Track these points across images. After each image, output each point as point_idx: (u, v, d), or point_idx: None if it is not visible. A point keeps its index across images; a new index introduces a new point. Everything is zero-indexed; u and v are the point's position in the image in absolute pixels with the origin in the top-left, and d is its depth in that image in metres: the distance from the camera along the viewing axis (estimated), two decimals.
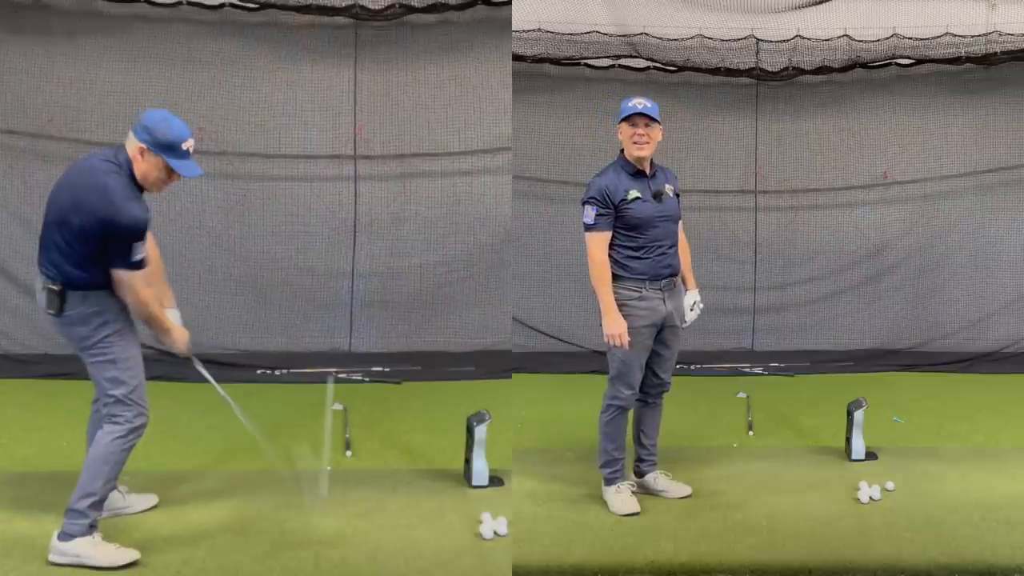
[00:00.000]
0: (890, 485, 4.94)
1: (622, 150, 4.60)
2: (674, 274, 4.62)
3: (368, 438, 5.79)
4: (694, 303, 4.79)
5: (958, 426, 6.35)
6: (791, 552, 4.15)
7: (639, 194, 4.50)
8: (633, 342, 4.53)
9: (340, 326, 8.15)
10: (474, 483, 4.88)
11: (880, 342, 8.73)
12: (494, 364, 7.56)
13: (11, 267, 7.57)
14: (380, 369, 7.49)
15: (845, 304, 8.84)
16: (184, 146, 3.87)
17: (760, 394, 6.67)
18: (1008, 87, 8.56)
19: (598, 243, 4.50)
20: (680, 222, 4.73)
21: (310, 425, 5.81)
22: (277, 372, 7.36)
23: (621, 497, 4.63)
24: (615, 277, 4.56)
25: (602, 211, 4.47)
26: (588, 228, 4.52)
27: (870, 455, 5.46)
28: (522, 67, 8.06)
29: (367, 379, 7.25)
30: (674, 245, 4.61)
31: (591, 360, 8.24)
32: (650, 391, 4.80)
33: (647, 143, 4.48)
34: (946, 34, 8.08)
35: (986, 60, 8.19)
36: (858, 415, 5.48)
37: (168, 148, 3.83)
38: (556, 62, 8.36)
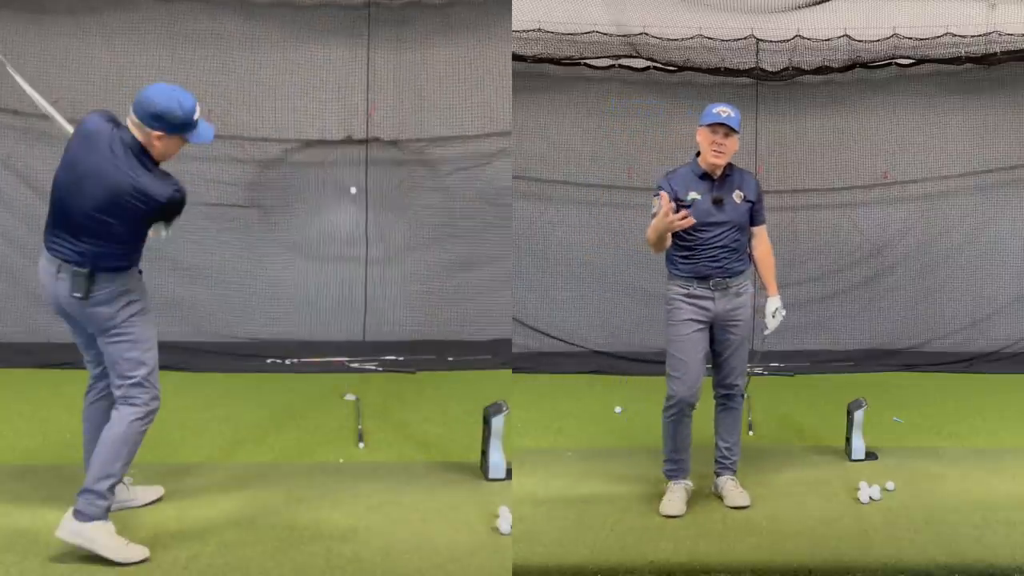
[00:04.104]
0: (890, 485, 4.94)
1: (698, 153, 4.72)
2: (727, 275, 4.62)
3: (381, 429, 5.73)
4: (775, 309, 4.81)
5: (958, 426, 6.35)
6: (791, 552, 4.15)
7: (698, 196, 4.61)
8: (679, 338, 4.60)
9: (354, 314, 8.10)
10: (491, 476, 4.84)
11: (880, 342, 8.72)
12: (511, 352, 7.45)
13: (11, 250, 7.55)
14: (394, 358, 7.40)
15: (845, 304, 8.83)
16: (196, 117, 3.87)
17: (760, 394, 6.67)
18: (1008, 87, 8.55)
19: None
20: (763, 228, 4.79)
21: (321, 415, 5.81)
22: (287, 362, 7.29)
23: (668, 496, 4.67)
24: (668, 274, 4.69)
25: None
26: (654, 217, 4.55)
27: (870, 455, 5.46)
28: (522, 67, 8.06)
29: (381, 368, 7.14)
30: (731, 250, 4.63)
31: (591, 360, 8.26)
32: (717, 393, 4.86)
33: (723, 153, 4.62)
34: (946, 34, 8.07)
35: (986, 60, 8.17)
36: (858, 415, 5.48)
37: (183, 127, 3.84)
38: (556, 62, 8.34)
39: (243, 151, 7.89)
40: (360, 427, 5.57)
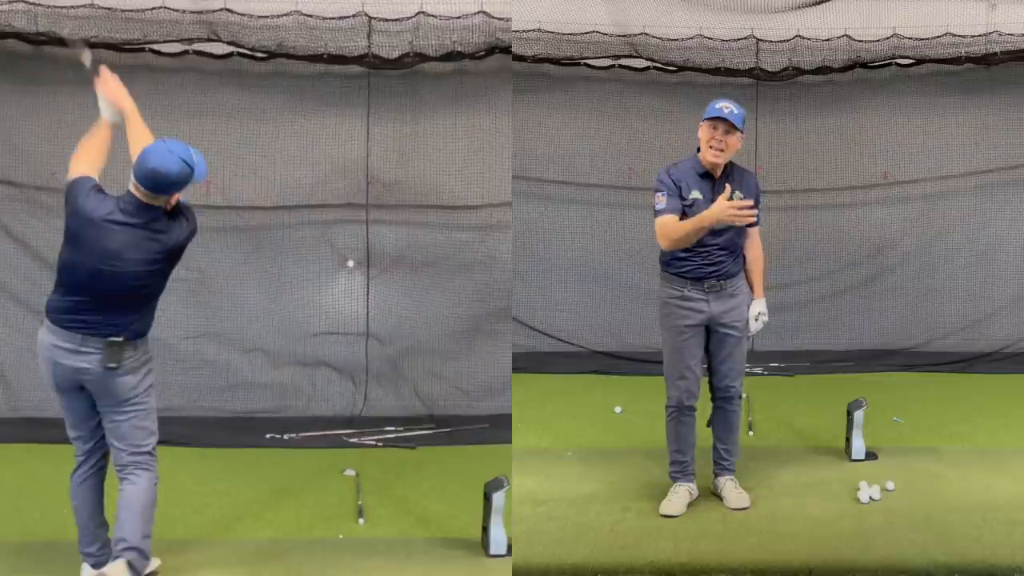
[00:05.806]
0: (890, 485, 4.95)
1: (699, 148, 4.64)
2: (722, 277, 4.59)
3: (382, 505, 5.51)
4: (759, 313, 4.74)
5: (958, 426, 6.35)
6: (791, 552, 4.16)
7: (700, 196, 4.53)
8: (674, 341, 4.60)
9: (353, 388, 7.72)
10: (492, 552, 4.65)
11: (880, 342, 8.71)
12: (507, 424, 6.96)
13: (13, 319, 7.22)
14: (393, 430, 7.21)
15: (845, 304, 8.83)
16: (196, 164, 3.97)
17: (760, 394, 6.67)
18: (1008, 87, 8.55)
19: (667, 223, 4.49)
20: (757, 230, 4.73)
21: (321, 490, 5.70)
22: (286, 436, 7.12)
23: (669, 496, 4.67)
24: (661, 276, 4.66)
25: (672, 195, 4.50)
26: (658, 213, 4.53)
27: (870, 455, 5.47)
28: (522, 67, 8.05)
29: (380, 443, 6.98)
30: (729, 250, 4.60)
31: (591, 360, 8.26)
32: (714, 395, 4.84)
33: (722, 151, 4.51)
34: (946, 34, 8.07)
35: (986, 60, 8.17)
36: (858, 415, 5.48)
37: (192, 177, 3.95)
38: (556, 62, 8.34)
39: (239, 219, 7.53)
40: (360, 503, 5.41)
